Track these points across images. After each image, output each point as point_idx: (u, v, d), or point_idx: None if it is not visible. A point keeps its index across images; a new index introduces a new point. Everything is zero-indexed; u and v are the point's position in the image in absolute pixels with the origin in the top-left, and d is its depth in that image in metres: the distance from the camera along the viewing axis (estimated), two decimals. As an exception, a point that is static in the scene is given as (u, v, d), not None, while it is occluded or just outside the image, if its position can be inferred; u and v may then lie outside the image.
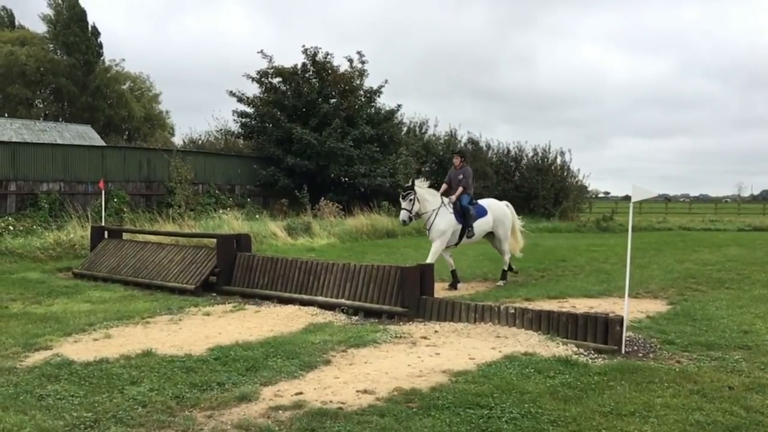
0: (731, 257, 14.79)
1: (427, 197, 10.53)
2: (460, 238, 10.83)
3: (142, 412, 4.52)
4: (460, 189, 10.88)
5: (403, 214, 10.48)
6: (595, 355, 6.07)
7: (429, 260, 10.03)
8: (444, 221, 10.51)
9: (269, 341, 6.56)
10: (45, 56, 40.90)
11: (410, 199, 10.36)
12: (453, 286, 10.54)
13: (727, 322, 7.50)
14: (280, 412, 4.54)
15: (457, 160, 11.33)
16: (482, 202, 11.48)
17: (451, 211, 10.68)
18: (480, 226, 11.01)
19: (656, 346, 6.41)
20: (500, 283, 11.01)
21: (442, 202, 10.66)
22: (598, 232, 25.16)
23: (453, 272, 10.77)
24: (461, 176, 11.03)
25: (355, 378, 5.34)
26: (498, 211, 11.49)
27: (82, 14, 41.27)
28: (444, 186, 11.15)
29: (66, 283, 10.70)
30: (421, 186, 10.65)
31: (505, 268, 11.36)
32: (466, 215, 10.76)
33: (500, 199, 35.36)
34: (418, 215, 10.51)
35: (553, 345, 6.35)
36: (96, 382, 5.16)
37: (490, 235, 11.47)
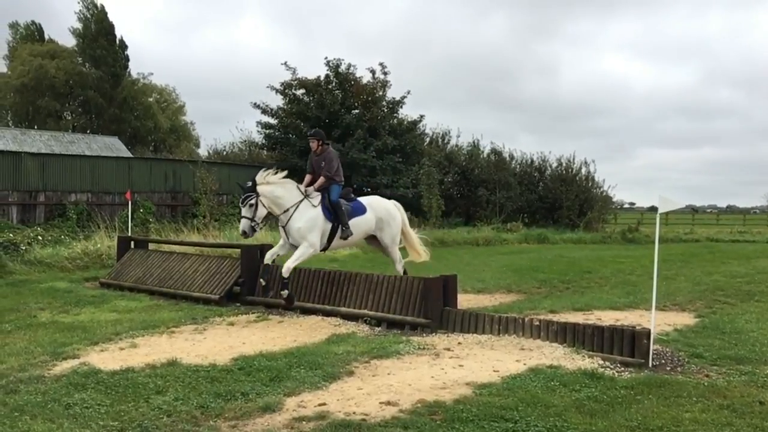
0: (761, 269, 14.51)
1: (279, 193, 8.59)
2: (330, 240, 8.92)
3: (167, 421, 4.56)
4: (322, 178, 8.94)
5: (243, 224, 8.42)
6: (622, 369, 5.99)
7: (287, 265, 8.51)
8: (303, 218, 8.59)
9: (292, 351, 6.57)
10: (74, 69, 41.69)
11: (251, 204, 8.40)
12: (288, 301, 8.64)
13: (757, 336, 7.35)
14: (304, 422, 4.54)
15: (314, 144, 9.14)
16: (363, 199, 9.65)
17: (316, 204, 8.80)
18: (358, 225, 9.15)
19: (684, 360, 6.30)
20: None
21: (304, 194, 8.81)
22: (624, 243, 24.88)
23: (287, 293, 8.69)
24: (323, 162, 9.04)
25: (378, 389, 5.33)
26: (382, 211, 9.60)
27: (110, 28, 42.06)
28: (307, 178, 9.21)
29: (93, 292, 10.84)
30: (270, 182, 8.63)
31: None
32: (337, 211, 8.86)
33: (523, 210, 34.60)
34: (267, 218, 8.72)
35: (579, 358, 6.28)
36: (122, 391, 5.21)
37: (374, 240, 9.79)
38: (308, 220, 8.61)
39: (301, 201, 8.70)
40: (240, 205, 8.63)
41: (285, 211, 8.60)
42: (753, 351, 6.62)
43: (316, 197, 8.86)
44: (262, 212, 8.50)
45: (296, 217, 8.58)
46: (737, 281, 12.32)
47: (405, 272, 9.82)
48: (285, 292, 8.59)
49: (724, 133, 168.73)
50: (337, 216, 8.86)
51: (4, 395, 5.10)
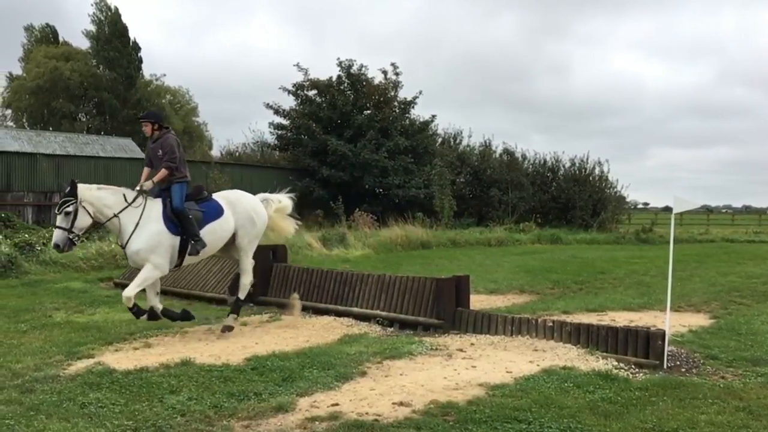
0: (777, 270, 14.37)
1: (105, 200, 7.12)
2: (182, 254, 7.35)
3: (181, 421, 4.58)
4: (163, 170, 7.32)
5: (57, 236, 6.88)
6: (636, 370, 5.95)
7: (127, 292, 7.04)
8: (142, 237, 7.07)
9: (305, 352, 6.59)
10: (88, 71, 41.97)
11: (67, 212, 6.87)
12: (151, 318, 7.34)
13: (773, 337, 7.28)
14: (317, 423, 4.54)
15: (147, 128, 7.53)
16: (220, 195, 8.03)
17: (150, 211, 7.21)
18: (215, 231, 7.53)
19: (699, 361, 6.25)
20: (230, 319, 7.71)
21: (128, 202, 7.19)
22: (638, 243, 24.70)
23: (151, 311, 7.39)
24: (160, 151, 7.40)
25: (391, 390, 5.32)
26: (246, 208, 7.94)
27: (124, 30, 42.29)
28: (145, 172, 7.66)
29: (107, 292, 10.90)
30: (102, 187, 7.28)
31: (242, 297, 8.02)
32: (183, 221, 7.24)
33: (536, 210, 34.34)
34: (92, 230, 7.32)
35: (593, 359, 6.24)
36: (136, 390, 5.24)
37: (227, 244, 7.95)
38: (149, 239, 7.08)
39: (124, 208, 7.13)
40: (57, 212, 7.03)
41: (110, 219, 7.12)
42: (769, 352, 6.55)
43: (155, 204, 7.31)
44: (84, 222, 7.00)
45: (135, 238, 7.07)
46: (753, 282, 12.21)
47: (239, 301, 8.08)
48: (143, 318, 7.36)
49: (739, 132, 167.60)
50: (183, 226, 7.25)
51: (20, 394, 5.15)
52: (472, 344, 7.00)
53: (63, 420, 4.56)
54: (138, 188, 7.34)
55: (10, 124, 42.49)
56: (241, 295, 7.95)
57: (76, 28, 69.63)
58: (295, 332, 7.80)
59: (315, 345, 7.00)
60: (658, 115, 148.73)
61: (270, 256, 10.18)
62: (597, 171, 31.82)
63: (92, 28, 42.40)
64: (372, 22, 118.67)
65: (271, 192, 9.20)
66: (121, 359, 6.34)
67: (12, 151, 20.86)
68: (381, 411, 4.79)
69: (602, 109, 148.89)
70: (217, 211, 7.66)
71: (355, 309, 8.64)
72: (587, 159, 31.97)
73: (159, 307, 7.39)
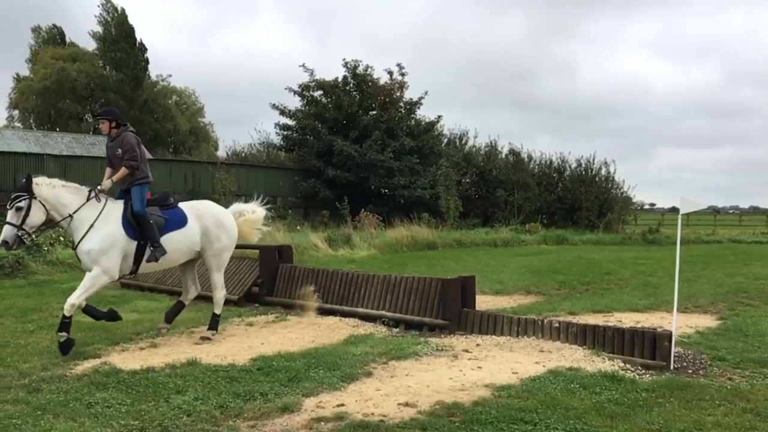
0: (784, 271, 14.30)
1: (63, 198, 6.67)
2: (138, 260, 6.96)
3: (187, 421, 4.59)
4: (123, 169, 6.91)
5: (6, 232, 6.41)
6: (643, 371, 5.93)
7: (71, 299, 6.54)
8: (96, 238, 6.63)
9: (311, 352, 6.59)
10: (95, 72, 42.14)
11: (18, 207, 6.42)
12: (64, 348, 6.37)
13: (781, 339, 7.24)
14: (322, 423, 4.55)
15: (104, 125, 7.07)
16: (187, 205, 7.60)
17: (110, 212, 6.80)
18: (176, 240, 7.14)
19: (706, 363, 6.23)
20: (207, 333, 7.40)
21: (92, 194, 6.81)
22: (644, 244, 24.65)
23: (65, 336, 6.41)
24: (119, 150, 6.97)
25: (397, 390, 5.32)
26: (212, 222, 7.52)
27: (130, 31, 42.42)
28: (107, 172, 7.18)
29: (113, 292, 10.93)
30: (65, 184, 6.80)
31: (218, 312, 7.62)
32: (144, 225, 6.86)
33: (542, 211, 34.23)
34: (45, 228, 6.94)
35: (599, 360, 6.22)
36: (142, 390, 5.26)
37: (193, 260, 7.71)
38: (103, 240, 6.65)
39: (82, 205, 6.70)
40: (8, 208, 6.52)
41: (62, 218, 6.67)
42: (777, 354, 6.52)
43: (116, 206, 6.91)
44: (36, 219, 6.53)
45: (88, 238, 6.63)
46: (760, 283, 12.16)
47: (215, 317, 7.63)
48: (63, 336, 6.42)
49: (746, 132, 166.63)
50: (142, 230, 6.87)
51: (27, 394, 5.17)
52: (478, 345, 6.99)
53: (70, 419, 4.58)
54: (98, 188, 6.95)
55: (18, 124, 42.73)
56: (217, 310, 7.64)
57: (83, 29, 69.83)
58: (301, 333, 7.80)
59: (321, 345, 7.01)
60: (664, 115, 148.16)
61: (276, 256, 10.20)
62: (603, 171, 31.83)
63: (99, 29, 42.58)
64: (377, 23, 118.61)
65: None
66: (128, 359, 6.36)
67: (19, 152, 20.98)
68: (386, 411, 4.79)
69: (608, 109, 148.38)
70: (180, 220, 7.29)
71: (361, 309, 8.64)
72: (593, 159, 31.99)
73: (83, 304, 6.81)
